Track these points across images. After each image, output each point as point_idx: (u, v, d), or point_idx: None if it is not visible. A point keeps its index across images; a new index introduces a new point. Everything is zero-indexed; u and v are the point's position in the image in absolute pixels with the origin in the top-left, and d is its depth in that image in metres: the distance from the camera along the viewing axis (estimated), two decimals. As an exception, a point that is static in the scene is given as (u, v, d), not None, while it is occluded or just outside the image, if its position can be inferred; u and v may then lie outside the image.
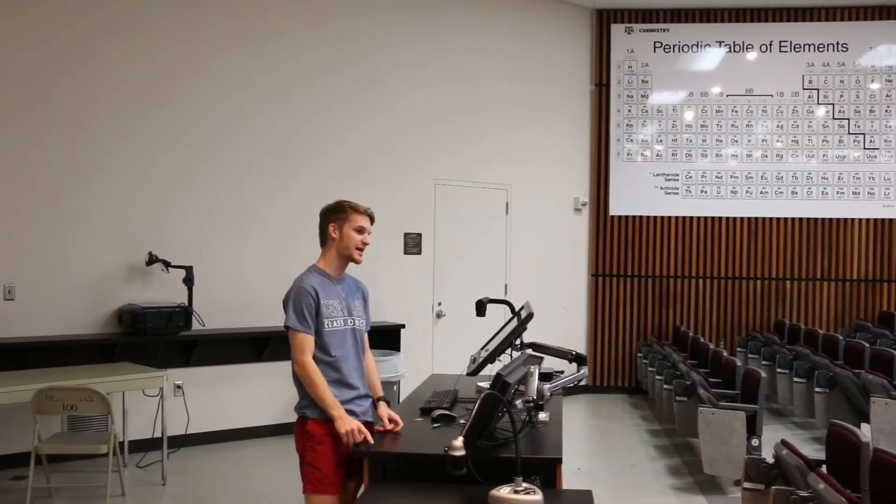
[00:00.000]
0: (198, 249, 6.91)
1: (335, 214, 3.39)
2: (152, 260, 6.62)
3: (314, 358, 3.26)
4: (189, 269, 6.65)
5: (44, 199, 6.30)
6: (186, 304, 6.62)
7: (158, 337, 6.41)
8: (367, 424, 3.35)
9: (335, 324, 3.34)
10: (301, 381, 3.27)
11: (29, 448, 5.01)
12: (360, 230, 3.41)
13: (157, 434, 5.89)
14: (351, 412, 3.28)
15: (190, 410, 6.58)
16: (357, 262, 3.43)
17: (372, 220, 3.49)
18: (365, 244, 3.43)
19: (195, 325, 6.69)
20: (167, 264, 6.66)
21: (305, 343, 3.24)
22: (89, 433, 6.05)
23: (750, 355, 8.72)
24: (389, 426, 3.36)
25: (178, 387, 6.67)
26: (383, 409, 3.44)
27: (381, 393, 3.57)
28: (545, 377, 3.85)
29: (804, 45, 9.58)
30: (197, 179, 7.00)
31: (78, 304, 6.43)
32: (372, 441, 3.18)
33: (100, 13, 6.54)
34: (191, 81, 6.98)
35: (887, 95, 9.49)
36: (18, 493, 5.32)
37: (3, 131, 6.15)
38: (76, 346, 6.23)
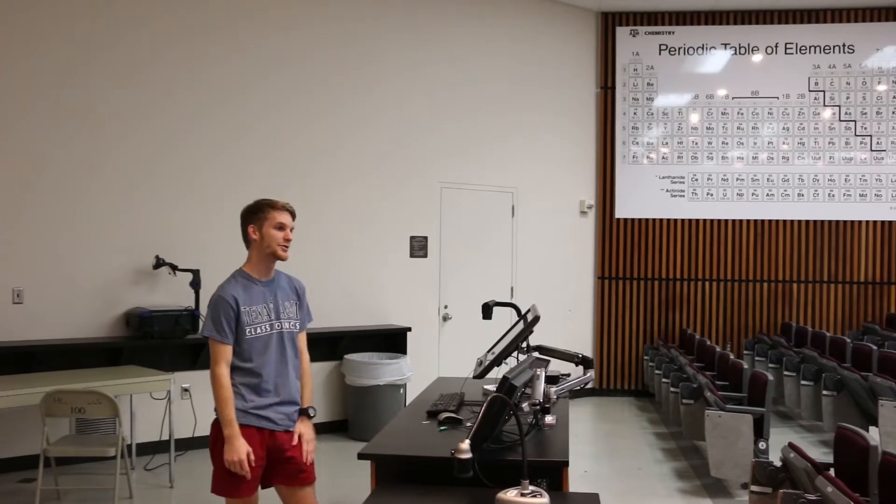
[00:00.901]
0: (204, 253, 6.92)
1: (252, 215, 3.34)
2: (159, 263, 6.63)
3: (234, 366, 3.26)
4: (196, 273, 6.67)
5: (51, 202, 6.32)
6: (193, 307, 6.64)
7: (165, 340, 6.42)
8: (287, 434, 3.34)
9: (258, 330, 3.31)
10: (212, 389, 3.26)
11: (37, 450, 5.04)
12: (281, 227, 3.36)
13: (165, 437, 5.92)
14: (266, 418, 3.28)
15: (197, 413, 6.60)
16: (283, 259, 3.38)
17: (293, 214, 3.43)
18: (288, 240, 3.38)
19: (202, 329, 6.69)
20: (174, 268, 6.68)
21: (221, 353, 3.24)
22: (97, 436, 6.08)
23: (757, 358, 8.70)
24: (294, 443, 3.35)
25: (186, 390, 6.69)
26: (300, 425, 3.41)
27: (307, 403, 3.49)
28: (551, 380, 3.85)
29: (810, 47, 9.57)
30: (203, 182, 7.02)
31: (85, 307, 6.45)
32: (249, 477, 3.19)
33: (103, 17, 6.57)
34: (197, 84, 7.00)
35: (894, 97, 9.47)
36: (27, 496, 5.34)
37: (10, 135, 6.17)
38: (84, 349, 6.25)
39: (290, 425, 3.37)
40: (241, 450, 3.18)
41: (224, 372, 3.23)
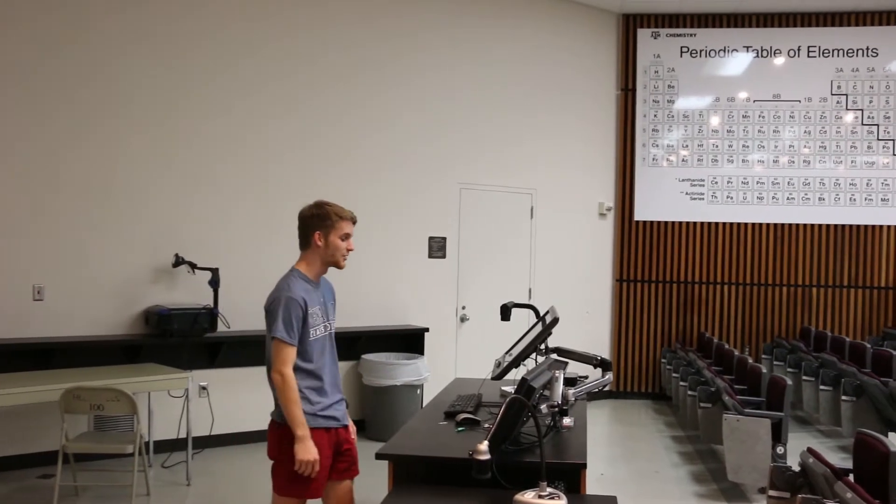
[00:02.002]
0: (223, 251, 6.96)
1: (320, 222, 3.34)
2: (179, 262, 6.67)
3: (297, 368, 3.26)
4: (215, 271, 6.69)
5: (72, 200, 6.37)
6: (212, 305, 6.66)
7: (184, 338, 6.45)
8: (344, 429, 3.42)
9: (317, 332, 3.34)
10: (277, 392, 3.25)
11: (56, 447, 5.06)
12: (346, 237, 3.37)
13: (182, 435, 5.94)
14: (332, 417, 3.33)
15: (214, 411, 6.63)
16: (341, 268, 3.41)
17: (355, 222, 3.44)
18: (350, 250, 3.40)
19: (220, 327, 6.73)
20: (193, 266, 6.71)
21: (290, 355, 3.23)
22: (115, 433, 6.11)
23: (775, 362, 8.65)
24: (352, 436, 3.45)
25: (203, 388, 6.72)
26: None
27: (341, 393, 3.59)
28: (570, 382, 3.85)
29: (833, 51, 9.50)
30: (223, 181, 7.05)
31: (105, 305, 6.49)
32: (316, 477, 3.23)
33: (120, 18, 6.60)
34: (216, 83, 7.03)
35: (917, 101, 9.39)
36: (46, 491, 5.38)
37: (31, 135, 6.22)
38: (103, 346, 6.29)
39: (346, 420, 3.46)
40: (314, 450, 3.21)
41: (292, 374, 3.23)
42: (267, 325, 3.26)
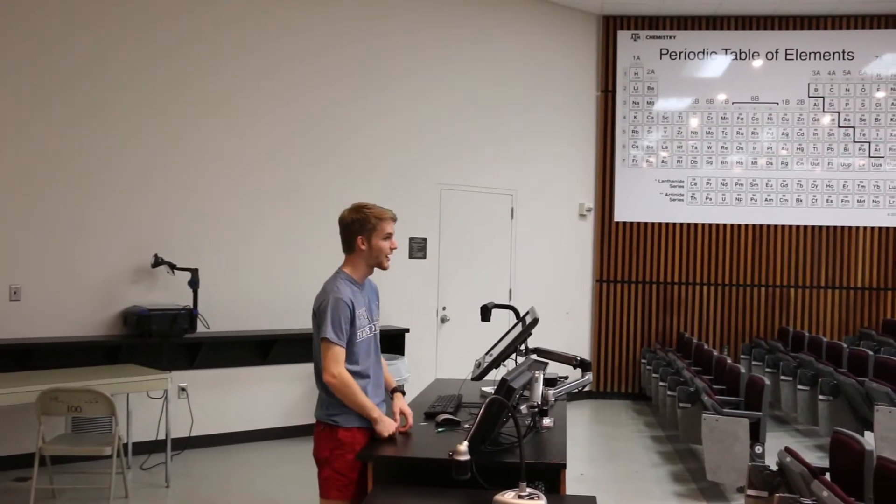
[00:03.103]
0: (203, 252, 6.93)
1: (362, 227, 3.33)
2: (158, 262, 6.63)
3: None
4: (194, 272, 6.66)
5: (50, 200, 6.32)
6: (191, 306, 6.63)
7: (163, 339, 6.42)
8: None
9: (364, 333, 3.34)
10: (336, 393, 3.22)
11: (33, 449, 5.02)
12: (388, 237, 3.39)
13: (161, 436, 5.91)
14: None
15: (194, 413, 6.60)
16: (386, 269, 3.46)
17: (395, 220, 3.45)
18: (394, 249, 3.44)
19: (200, 328, 6.70)
20: (173, 266, 6.67)
21: (341, 356, 3.21)
22: (93, 435, 6.07)
23: (754, 362, 8.71)
24: (400, 424, 3.40)
25: (183, 389, 6.69)
26: (398, 402, 3.51)
27: (393, 384, 3.62)
28: (549, 382, 3.85)
29: (810, 54, 9.59)
30: (203, 182, 7.02)
31: (83, 305, 6.44)
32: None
33: (105, 19, 6.57)
34: (196, 86, 7.00)
35: (893, 104, 9.49)
36: (22, 494, 5.33)
37: (10, 134, 6.17)
38: (81, 347, 6.24)
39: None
40: (391, 423, 3.29)
41: (346, 372, 3.21)
42: (315, 327, 3.26)
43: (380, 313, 3.58)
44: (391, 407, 3.48)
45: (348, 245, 3.39)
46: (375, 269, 3.50)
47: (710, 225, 9.65)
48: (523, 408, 3.44)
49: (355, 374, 3.27)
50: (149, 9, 6.77)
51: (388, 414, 3.41)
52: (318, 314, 3.26)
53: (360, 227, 3.34)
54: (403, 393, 3.57)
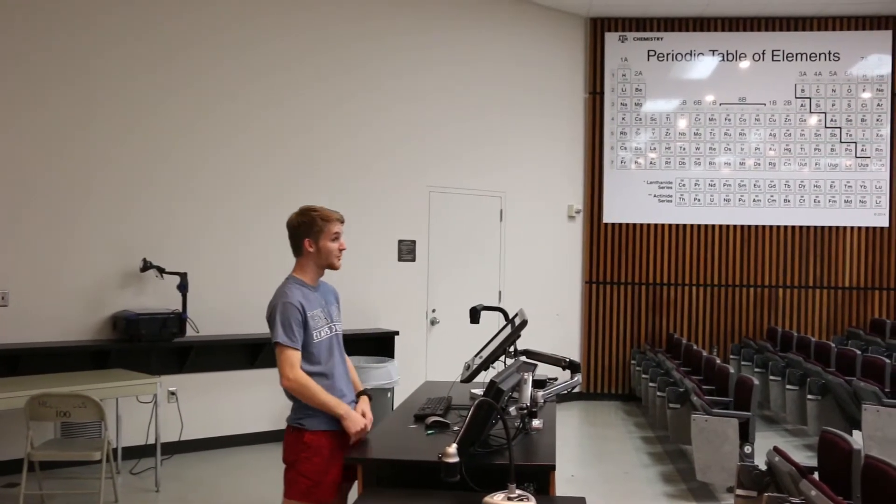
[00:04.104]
0: (192, 256, 6.91)
1: (309, 229, 3.35)
2: (146, 266, 6.61)
3: (305, 372, 3.25)
4: (183, 276, 6.65)
5: (39, 205, 6.30)
6: (181, 310, 6.62)
7: (152, 343, 6.40)
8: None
9: (322, 334, 3.34)
10: (296, 396, 3.25)
11: (22, 455, 5.00)
12: (336, 237, 3.39)
13: (151, 441, 5.89)
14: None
15: (184, 417, 6.59)
16: (337, 269, 3.43)
17: (342, 221, 3.44)
18: (342, 250, 3.42)
19: (189, 332, 6.69)
20: (161, 271, 6.66)
21: (295, 358, 3.22)
22: (83, 440, 6.05)
23: (743, 362, 8.74)
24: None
25: (172, 393, 6.67)
26: (362, 405, 3.47)
27: (361, 387, 3.59)
28: (539, 384, 3.86)
29: (796, 55, 9.64)
30: (192, 186, 7.01)
31: (72, 310, 6.42)
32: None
33: (98, 21, 6.55)
34: (186, 90, 6.98)
35: (878, 104, 9.55)
36: (11, 500, 5.31)
37: (-2, 137, 6.16)
38: (70, 352, 6.22)
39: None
40: (360, 419, 3.26)
41: (301, 373, 3.21)
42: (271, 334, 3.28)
43: (340, 314, 3.56)
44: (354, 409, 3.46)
45: (297, 248, 3.42)
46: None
47: (699, 226, 9.69)
48: (512, 409, 3.45)
49: (317, 375, 3.28)
50: (138, 13, 6.75)
51: None
52: (269, 321, 3.28)
53: (307, 230, 3.37)
54: (370, 397, 3.55)
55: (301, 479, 3.24)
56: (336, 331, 3.45)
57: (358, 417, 3.27)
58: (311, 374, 3.26)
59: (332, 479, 3.27)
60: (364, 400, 3.51)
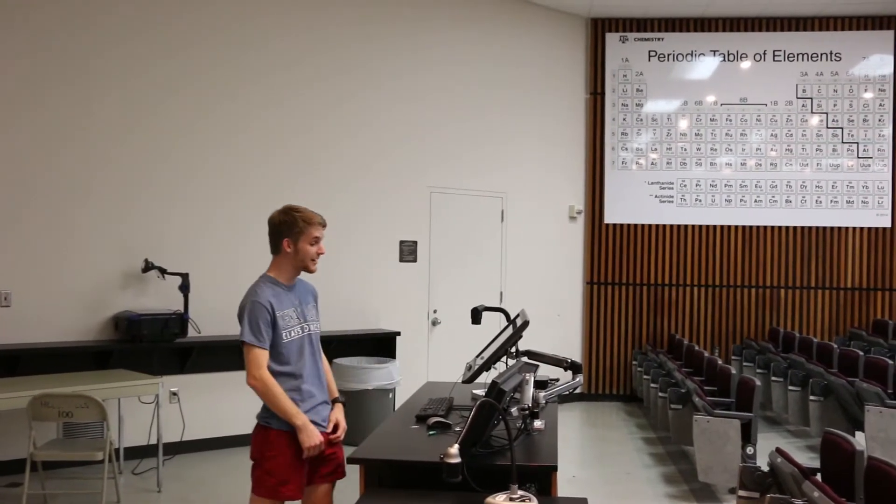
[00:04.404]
0: (194, 256, 6.91)
1: (289, 230, 3.33)
2: (148, 267, 6.62)
3: (273, 371, 3.25)
4: (185, 276, 6.65)
5: (40, 205, 6.30)
6: (182, 311, 6.62)
7: (154, 344, 6.41)
8: (325, 434, 3.36)
9: (292, 333, 3.33)
10: (259, 396, 3.25)
11: (24, 455, 5.01)
12: (315, 241, 3.37)
13: (153, 441, 5.90)
14: (313, 422, 3.29)
15: (185, 417, 6.59)
16: (312, 272, 3.41)
17: (324, 226, 3.43)
18: (320, 254, 3.39)
19: (191, 332, 6.69)
20: (163, 271, 6.66)
21: (261, 358, 3.23)
22: (85, 440, 6.06)
23: (745, 363, 8.73)
24: (330, 434, 3.38)
25: (174, 394, 6.67)
26: (336, 412, 3.47)
27: (336, 394, 3.57)
28: (540, 385, 3.86)
29: (798, 55, 9.63)
30: (193, 187, 7.01)
31: (74, 310, 6.42)
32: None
33: (96, 22, 6.55)
34: (186, 90, 6.99)
35: (880, 104, 9.54)
36: (14, 500, 5.31)
37: None
38: (72, 352, 6.22)
39: (328, 423, 3.43)
40: (317, 434, 3.24)
41: (267, 374, 3.22)
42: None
43: (318, 314, 3.54)
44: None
45: (275, 246, 3.39)
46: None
47: (700, 226, 9.68)
48: (514, 410, 3.45)
49: (286, 375, 3.28)
50: (138, 13, 6.75)
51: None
52: (238, 319, 3.28)
53: (287, 230, 3.34)
54: (344, 404, 3.55)
55: (266, 477, 3.26)
56: (310, 331, 3.43)
57: (314, 432, 3.23)
58: (279, 373, 3.26)
59: (299, 478, 3.28)
60: (338, 408, 3.50)
